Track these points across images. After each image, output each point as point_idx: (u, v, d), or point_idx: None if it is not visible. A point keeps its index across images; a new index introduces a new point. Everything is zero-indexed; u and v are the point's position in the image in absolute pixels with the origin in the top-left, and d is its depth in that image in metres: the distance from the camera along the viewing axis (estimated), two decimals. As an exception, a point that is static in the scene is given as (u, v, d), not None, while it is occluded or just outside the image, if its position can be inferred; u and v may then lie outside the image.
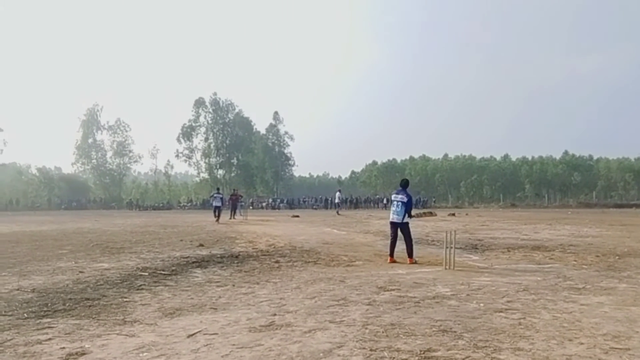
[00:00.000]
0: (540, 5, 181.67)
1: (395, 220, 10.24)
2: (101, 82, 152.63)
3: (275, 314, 5.48)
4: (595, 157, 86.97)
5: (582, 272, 8.62)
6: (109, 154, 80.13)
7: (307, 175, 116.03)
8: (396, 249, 10.39)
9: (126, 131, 79.81)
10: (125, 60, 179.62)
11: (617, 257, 10.44)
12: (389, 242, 10.63)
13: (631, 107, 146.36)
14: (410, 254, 10.09)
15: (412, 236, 10.41)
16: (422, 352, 4.05)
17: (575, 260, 10.06)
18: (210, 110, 78.69)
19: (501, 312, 5.55)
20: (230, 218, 28.31)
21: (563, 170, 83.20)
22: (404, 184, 10.65)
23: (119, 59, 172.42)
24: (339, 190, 41.47)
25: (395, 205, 10.34)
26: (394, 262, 9.99)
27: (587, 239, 14.60)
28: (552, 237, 15.48)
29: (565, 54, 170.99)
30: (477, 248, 12.61)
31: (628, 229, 18.89)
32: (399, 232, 10.23)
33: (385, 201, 56.23)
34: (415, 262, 9.93)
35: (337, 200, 36.84)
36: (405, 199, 10.22)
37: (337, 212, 35.58)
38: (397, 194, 10.43)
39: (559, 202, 63.92)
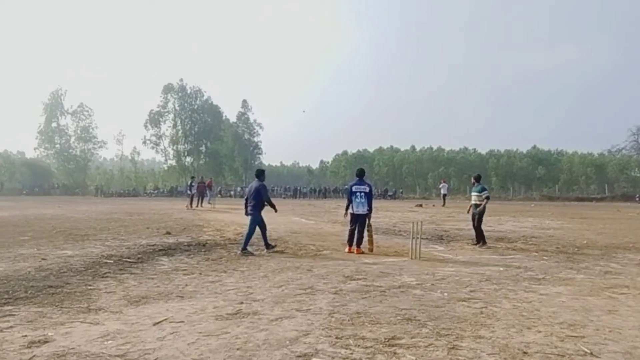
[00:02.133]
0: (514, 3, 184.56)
1: (361, 212, 10.13)
2: (65, 65, 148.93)
3: (242, 302, 5.50)
4: (561, 151, 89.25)
5: (542, 263, 8.87)
6: (73, 139, 78.26)
7: (277, 164, 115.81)
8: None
9: (90, 116, 78.01)
10: (90, 44, 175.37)
11: (576, 249, 10.76)
12: (347, 232, 10.47)
13: (597, 103, 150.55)
14: (359, 243, 10.12)
15: (376, 226, 10.56)
16: (386, 340, 4.13)
17: (536, 252, 10.33)
18: (178, 96, 77.54)
19: (464, 301, 5.69)
20: (198, 206, 28.09)
21: (528, 164, 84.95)
22: (362, 174, 10.53)
23: (83, 42, 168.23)
24: (444, 181, 38.90)
25: (359, 197, 10.15)
26: (352, 252, 10.00)
27: (548, 231, 14.99)
28: (515, 228, 15.84)
29: (536, 50, 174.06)
30: (442, 239, 12.82)
31: (588, 222, 19.45)
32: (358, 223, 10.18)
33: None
34: (363, 252, 9.94)
35: (444, 192, 35.04)
36: (367, 189, 10.21)
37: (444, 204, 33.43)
38: (358, 184, 10.25)
39: (523, 195, 65.20)
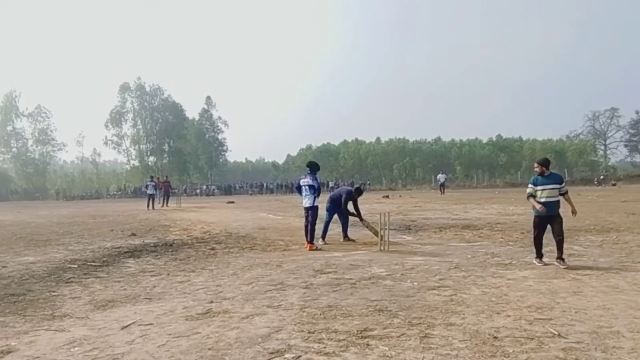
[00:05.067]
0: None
1: (306, 205, 10.05)
2: (19, 67, 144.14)
3: (212, 302, 5.43)
4: (521, 138, 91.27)
5: (508, 248, 9.04)
6: (30, 142, 76.19)
7: (243, 161, 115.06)
8: (330, 232, 10.71)
9: (48, 118, 75.97)
10: (44, 44, 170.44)
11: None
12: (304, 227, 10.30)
13: (557, 90, 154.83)
14: (311, 239, 9.92)
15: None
16: (359, 332, 4.13)
17: (502, 238, 10.52)
18: (136, 95, 76.26)
19: (434, 289, 5.74)
20: (163, 206, 27.70)
21: (490, 152, 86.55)
22: (312, 167, 10.28)
23: (37, 43, 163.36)
24: (442, 172, 42.19)
25: (305, 190, 10.06)
26: (313, 248, 9.74)
27: (512, 217, 15.27)
28: (481, 216, 16.10)
29: (500, 36, 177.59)
30: (410, 229, 12.92)
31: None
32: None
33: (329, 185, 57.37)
34: (316, 249, 9.74)
35: (442, 181, 38.43)
36: (312, 182, 9.98)
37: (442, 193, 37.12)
38: (304, 178, 10.15)
39: (487, 183, 66.39)
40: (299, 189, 10.36)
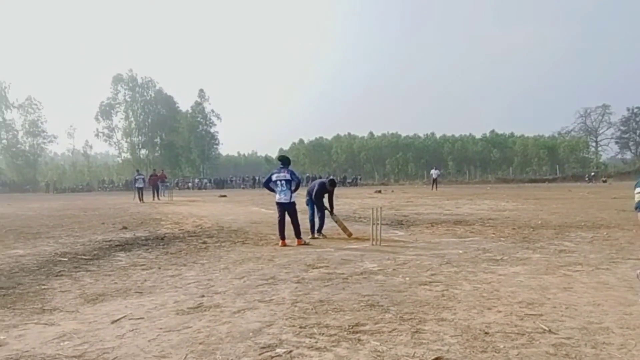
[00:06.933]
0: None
1: (282, 201, 9.69)
2: (9, 58, 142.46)
3: (203, 296, 5.41)
4: (513, 134, 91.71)
5: (499, 244, 9.06)
6: (21, 133, 75.73)
7: (235, 154, 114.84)
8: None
9: (38, 109, 75.52)
10: (35, 35, 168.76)
11: (531, 229, 11.03)
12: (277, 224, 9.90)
13: (549, 86, 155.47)
14: (298, 234, 9.71)
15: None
16: (350, 327, 4.12)
17: (493, 233, 10.54)
18: (128, 87, 75.95)
19: (425, 285, 5.74)
20: (154, 199, 27.59)
21: (483, 148, 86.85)
22: (284, 161, 9.90)
23: (28, 34, 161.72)
24: (435, 167, 42.20)
25: (280, 185, 9.69)
26: (285, 245, 9.45)
27: (504, 213, 15.33)
28: (473, 211, 16.14)
29: (492, 34, 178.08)
30: (402, 224, 12.93)
31: (541, 202, 20.01)
32: (286, 213, 9.76)
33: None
34: (305, 243, 9.61)
35: (434, 177, 38.00)
36: (288, 177, 9.67)
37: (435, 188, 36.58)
38: (278, 172, 9.77)
39: (479, 178, 66.62)
40: (268, 184, 9.94)
